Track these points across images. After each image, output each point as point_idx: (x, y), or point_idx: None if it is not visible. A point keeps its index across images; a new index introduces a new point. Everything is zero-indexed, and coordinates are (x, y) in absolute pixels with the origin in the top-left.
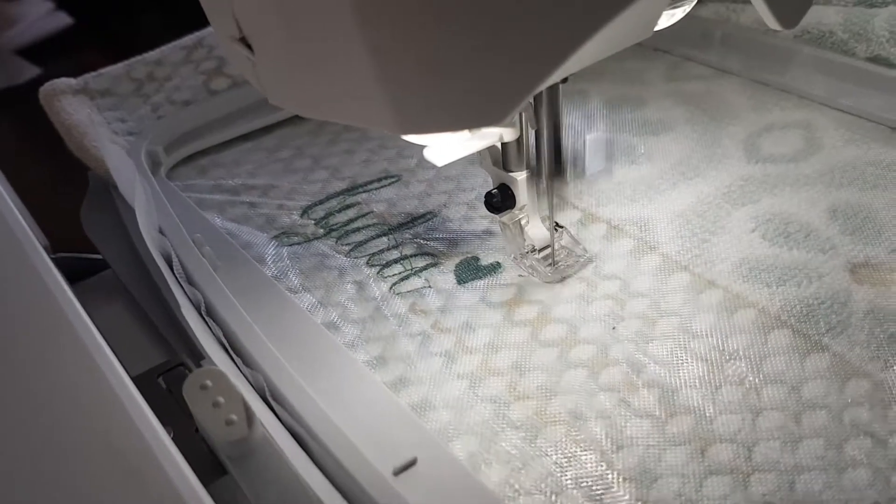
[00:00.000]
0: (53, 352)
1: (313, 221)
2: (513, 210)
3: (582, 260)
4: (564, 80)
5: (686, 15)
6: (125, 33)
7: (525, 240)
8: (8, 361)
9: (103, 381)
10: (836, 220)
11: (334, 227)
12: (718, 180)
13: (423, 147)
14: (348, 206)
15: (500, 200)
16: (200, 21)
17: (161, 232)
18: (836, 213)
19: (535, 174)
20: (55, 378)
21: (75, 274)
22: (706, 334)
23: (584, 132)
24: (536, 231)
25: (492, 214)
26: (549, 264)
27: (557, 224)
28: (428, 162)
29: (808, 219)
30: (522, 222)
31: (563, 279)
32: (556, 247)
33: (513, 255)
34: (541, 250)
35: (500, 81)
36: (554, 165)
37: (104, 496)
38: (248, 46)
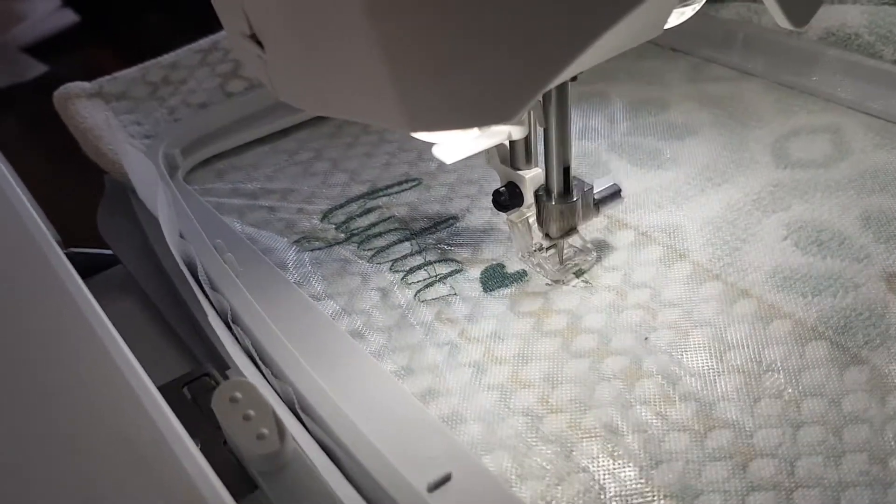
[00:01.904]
0: (75, 358)
1: (334, 226)
2: (521, 208)
3: (590, 258)
4: (574, 79)
5: (706, 16)
6: (131, 31)
7: (533, 238)
8: (29, 368)
9: (128, 391)
10: (870, 228)
11: (355, 231)
12: (748, 186)
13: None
14: (369, 211)
15: (508, 198)
16: (206, 19)
17: (182, 237)
18: (870, 220)
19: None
20: (78, 387)
21: (85, 269)
22: (741, 345)
23: (606, 136)
24: None
25: (493, 206)
26: (557, 263)
27: None
28: (449, 166)
29: (840, 226)
30: (530, 220)
31: (570, 278)
32: (563, 245)
33: (520, 253)
34: (548, 248)
35: (510, 79)
36: (563, 187)
37: None
38: (259, 43)
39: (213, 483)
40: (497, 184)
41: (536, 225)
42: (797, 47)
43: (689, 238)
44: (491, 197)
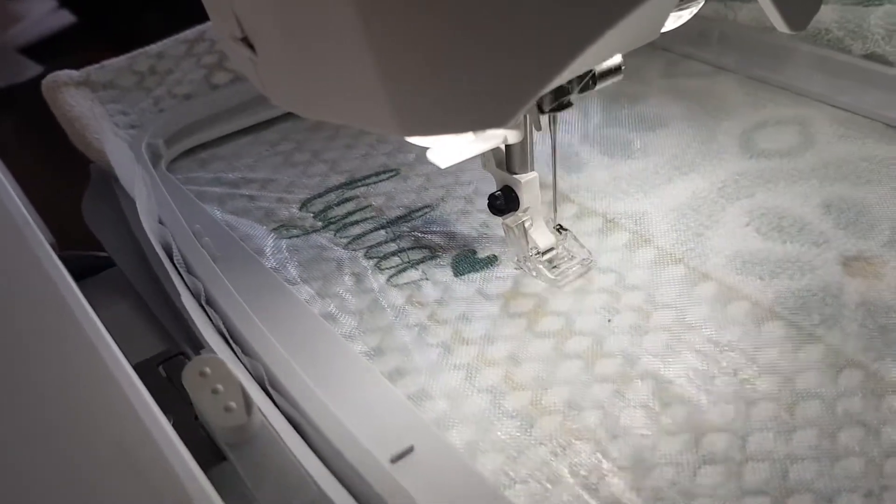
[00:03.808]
0: (54, 340)
1: (312, 214)
2: (516, 213)
3: (586, 263)
4: (591, 87)
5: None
6: (128, 32)
7: (528, 242)
8: (9, 349)
9: (104, 369)
10: (830, 215)
11: (333, 219)
12: (714, 175)
13: (431, 153)
14: (347, 200)
15: (504, 203)
16: (204, 20)
17: (161, 223)
18: (830, 207)
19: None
20: (57, 366)
21: (81, 271)
22: (700, 326)
23: (580, 128)
24: (540, 234)
25: (489, 210)
26: (553, 267)
27: (561, 227)
28: (426, 157)
29: (801, 213)
30: (526, 225)
31: (566, 283)
32: (559, 250)
33: (516, 258)
34: (544, 253)
35: (506, 83)
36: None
37: (105, 482)
38: (250, 46)
39: (182, 456)
40: (476, 175)
41: (532, 230)
42: (770, 43)
43: (654, 224)
44: (485, 197)
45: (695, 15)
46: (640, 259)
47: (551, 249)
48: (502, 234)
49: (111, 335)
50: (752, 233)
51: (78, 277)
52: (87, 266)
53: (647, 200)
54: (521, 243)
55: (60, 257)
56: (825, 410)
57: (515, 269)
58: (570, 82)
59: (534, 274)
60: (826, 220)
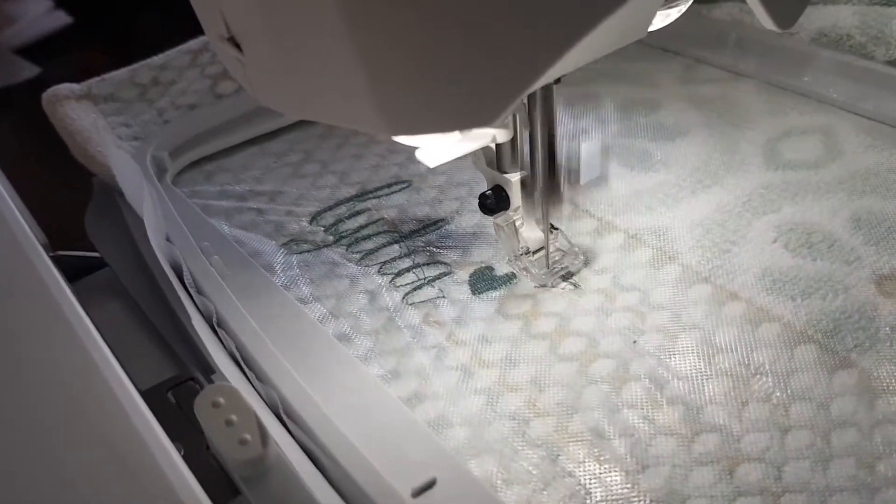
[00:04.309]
0: (57, 361)
1: (322, 228)
2: (507, 212)
3: (577, 262)
4: (557, 81)
5: (698, 17)
6: (124, 32)
7: (520, 241)
8: (10, 370)
9: (110, 396)
10: (860, 230)
11: (344, 234)
12: (738, 188)
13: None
14: (358, 213)
15: (495, 202)
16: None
17: (168, 240)
18: (860, 222)
19: (529, 180)
20: (60, 391)
21: (74, 271)
22: (730, 349)
23: (597, 136)
24: (531, 233)
25: (480, 210)
26: (544, 266)
27: (552, 226)
28: (438, 168)
29: (830, 228)
30: (517, 224)
31: (557, 281)
32: (550, 249)
33: (507, 257)
34: (535, 252)
35: (491, 82)
36: (548, 171)
37: None
38: (237, 46)
39: (193, 490)
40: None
41: (523, 229)
42: (789, 48)
43: (678, 240)
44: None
45: (709, 18)
46: (664, 277)
47: (542, 249)
48: None
49: (115, 355)
50: (781, 249)
51: (72, 279)
52: (81, 267)
53: (669, 215)
54: (512, 242)
55: (52, 258)
56: (863, 439)
57: (535, 286)
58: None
59: (524, 273)
60: (856, 236)
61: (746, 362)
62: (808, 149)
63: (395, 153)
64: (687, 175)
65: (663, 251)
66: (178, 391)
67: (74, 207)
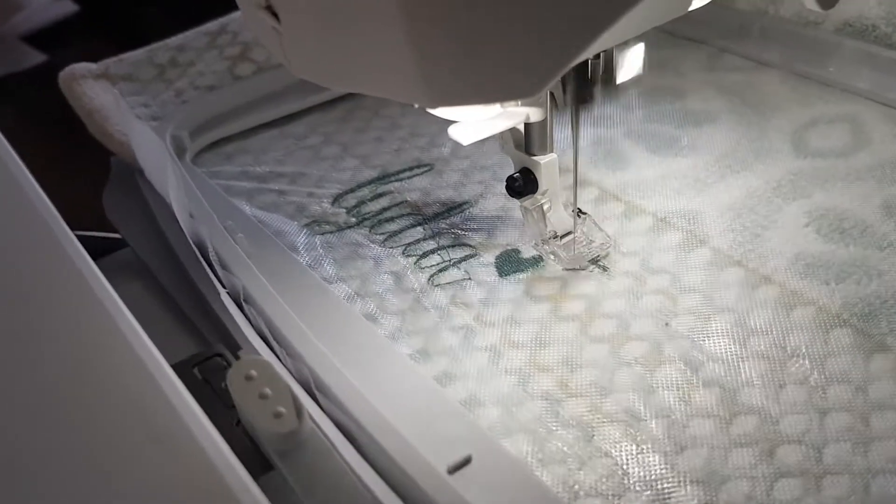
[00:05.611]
0: (89, 337)
1: (345, 210)
2: (535, 195)
3: (605, 246)
4: (597, 57)
5: (722, 6)
6: (130, 21)
7: (547, 225)
8: (43, 347)
9: (143, 370)
10: (892, 217)
11: (367, 216)
12: (768, 174)
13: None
14: (380, 195)
15: (522, 185)
16: (204, 10)
17: (192, 217)
18: (891, 208)
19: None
20: (93, 366)
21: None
22: (764, 331)
23: (622, 123)
24: (559, 217)
25: (507, 192)
26: (571, 250)
27: (580, 210)
28: (461, 152)
29: (862, 215)
30: (545, 207)
31: (585, 265)
32: (578, 233)
33: (534, 241)
34: (562, 236)
35: (536, 54)
36: (579, 91)
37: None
38: (275, 15)
39: (231, 462)
40: (511, 170)
41: (550, 213)
42: (814, 38)
43: (708, 224)
44: (505, 183)
45: (733, 8)
46: (695, 260)
47: (569, 233)
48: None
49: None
50: (813, 234)
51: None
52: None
53: (699, 199)
54: (540, 226)
55: None
56: None
57: (564, 269)
58: (593, 72)
59: (552, 257)
60: (888, 223)
61: (782, 345)
62: (836, 137)
63: (417, 136)
64: (715, 160)
65: (693, 234)
66: (203, 367)
67: (82, 192)
